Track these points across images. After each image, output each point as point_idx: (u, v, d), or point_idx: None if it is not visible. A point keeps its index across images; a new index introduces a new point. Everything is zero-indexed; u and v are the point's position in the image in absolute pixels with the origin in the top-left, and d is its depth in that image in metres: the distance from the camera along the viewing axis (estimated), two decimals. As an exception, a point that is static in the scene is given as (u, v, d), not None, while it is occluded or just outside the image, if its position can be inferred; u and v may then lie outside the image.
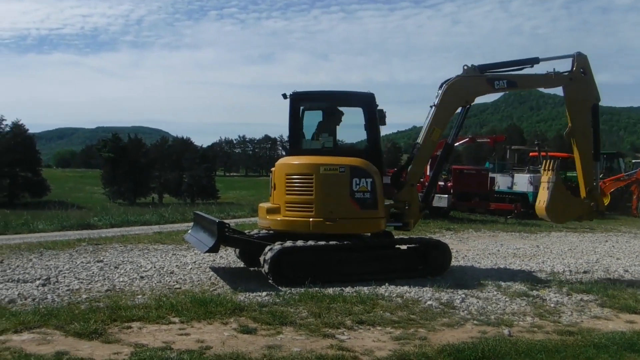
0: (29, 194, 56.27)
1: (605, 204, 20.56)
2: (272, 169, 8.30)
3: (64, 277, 7.68)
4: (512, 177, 19.64)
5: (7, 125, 60.35)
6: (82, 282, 7.34)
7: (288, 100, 8.25)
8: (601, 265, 9.65)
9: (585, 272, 8.96)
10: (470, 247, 11.59)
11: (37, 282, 7.25)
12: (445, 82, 8.37)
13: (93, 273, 7.97)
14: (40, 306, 5.98)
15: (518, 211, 17.62)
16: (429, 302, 6.53)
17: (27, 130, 62.92)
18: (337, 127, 8.61)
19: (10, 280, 7.35)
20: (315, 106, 8.73)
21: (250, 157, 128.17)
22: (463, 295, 6.89)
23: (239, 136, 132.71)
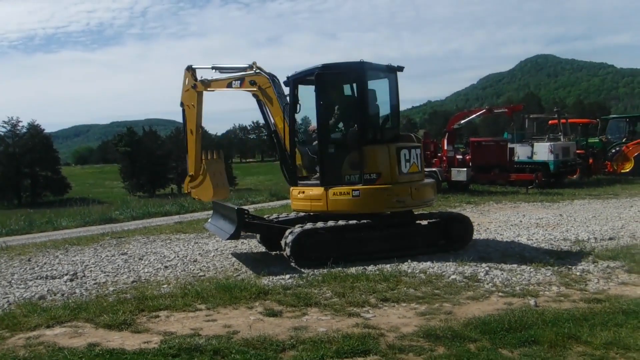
0: (51, 193, 57.41)
1: (629, 169, 20.40)
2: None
3: (91, 271, 7.82)
4: (532, 146, 19.25)
5: (23, 126, 61.41)
6: (108, 275, 7.48)
7: (356, 72, 7.81)
8: (627, 231, 9.47)
9: (610, 238, 8.81)
10: (492, 219, 11.48)
11: (65, 277, 7.41)
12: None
13: (118, 266, 8.11)
14: (70, 301, 6.11)
15: (539, 181, 17.34)
16: (452, 277, 6.50)
17: (44, 130, 63.90)
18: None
19: (39, 278, 7.52)
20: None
21: (265, 143, 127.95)
22: (487, 268, 6.84)
23: (253, 122, 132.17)
